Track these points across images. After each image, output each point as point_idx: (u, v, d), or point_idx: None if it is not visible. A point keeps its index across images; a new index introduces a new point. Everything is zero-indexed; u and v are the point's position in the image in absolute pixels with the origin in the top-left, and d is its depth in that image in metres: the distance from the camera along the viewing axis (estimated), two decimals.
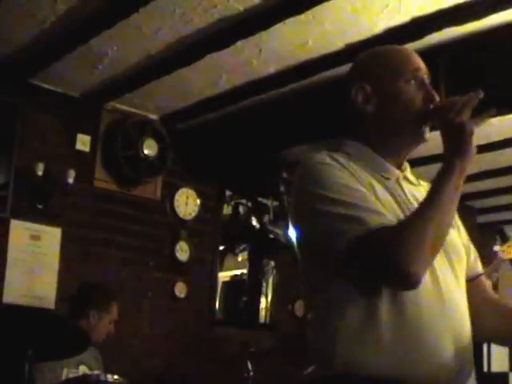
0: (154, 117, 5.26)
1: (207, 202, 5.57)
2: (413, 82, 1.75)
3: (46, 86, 4.73)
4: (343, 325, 1.59)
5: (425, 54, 3.99)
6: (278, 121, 4.90)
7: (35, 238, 4.57)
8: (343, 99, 1.83)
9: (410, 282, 1.52)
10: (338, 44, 3.97)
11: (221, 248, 5.82)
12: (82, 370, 3.74)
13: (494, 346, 3.42)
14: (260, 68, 4.33)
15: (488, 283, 1.91)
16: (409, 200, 1.73)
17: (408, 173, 1.84)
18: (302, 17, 3.59)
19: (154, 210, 5.27)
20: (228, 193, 5.91)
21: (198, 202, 5.48)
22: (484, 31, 3.72)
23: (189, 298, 5.32)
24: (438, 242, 1.56)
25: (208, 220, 5.58)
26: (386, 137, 1.77)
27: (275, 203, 6.01)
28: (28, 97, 4.66)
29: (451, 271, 1.69)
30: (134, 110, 5.14)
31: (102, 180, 4.98)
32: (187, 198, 5.43)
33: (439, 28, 3.67)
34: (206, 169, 5.54)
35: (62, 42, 4.02)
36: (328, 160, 1.69)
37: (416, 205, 1.68)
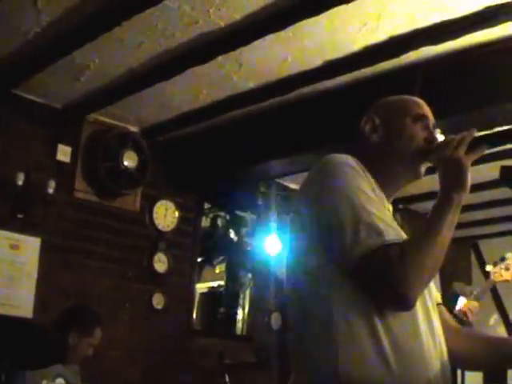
0: (134, 129, 5.29)
1: (186, 214, 5.60)
2: (418, 123, 1.88)
3: (28, 96, 4.75)
4: (347, 342, 1.61)
5: (401, 72, 4.12)
6: (256, 135, 4.95)
7: (14, 247, 4.57)
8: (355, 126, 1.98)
9: (406, 304, 1.60)
10: (317, 61, 4.03)
11: (199, 260, 5.84)
12: (59, 383, 3.73)
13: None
14: (240, 83, 4.39)
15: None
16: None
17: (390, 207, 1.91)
18: (282, 33, 3.66)
19: (134, 222, 5.29)
20: (206, 205, 5.95)
21: (177, 214, 5.51)
22: (459, 51, 3.79)
23: (166, 309, 5.34)
24: (435, 270, 1.64)
25: (186, 232, 5.61)
26: (385, 167, 1.86)
27: (253, 216, 6.06)
28: (10, 107, 4.67)
29: (429, 297, 1.76)
30: (115, 122, 5.17)
31: (82, 191, 5.00)
32: (166, 209, 5.46)
33: (416, 47, 3.74)
34: (185, 181, 5.57)
35: (45, 54, 4.04)
36: (354, 164, 1.76)
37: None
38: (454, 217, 1.67)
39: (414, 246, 1.61)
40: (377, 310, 1.62)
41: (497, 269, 3.63)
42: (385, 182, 1.85)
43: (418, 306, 1.66)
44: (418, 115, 1.90)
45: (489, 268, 3.73)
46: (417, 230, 1.67)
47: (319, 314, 1.66)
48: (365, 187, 1.70)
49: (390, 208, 1.88)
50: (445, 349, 1.73)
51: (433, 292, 1.82)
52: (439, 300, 1.95)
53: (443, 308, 1.96)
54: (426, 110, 1.94)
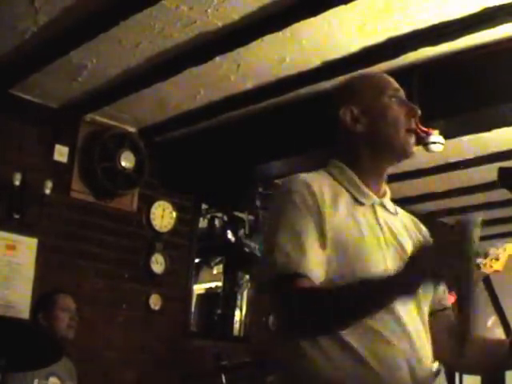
0: (131, 129, 5.28)
1: (183, 215, 5.59)
2: (394, 99, 1.84)
3: (25, 96, 4.74)
4: (316, 353, 1.63)
5: (400, 72, 4.11)
6: (254, 135, 4.94)
7: (11, 247, 4.56)
8: (331, 122, 1.92)
9: (291, 332, 1.66)
10: (315, 61, 4.03)
11: (196, 261, 5.83)
12: (52, 381, 3.72)
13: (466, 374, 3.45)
14: (238, 83, 4.38)
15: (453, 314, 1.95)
16: (380, 226, 1.77)
17: (386, 200, 1.88)
18: (280, 34, 3.65)
19: (130, 222, 5.28)
20: (204, 206, 5.94)
21: (174, 214, 5.50)
22: (457, 52, 3.79)
23: (163, 310, 5.33)
24: (341, 326, 1.61)
25: (184, 233, 5.60)
26: (375, 154, 1.83)
27: (251, 217, 6.05)
28: (7, 107, 4.66)
29: (414, 303, 1.72)
30: (112, 122, 5.16)
31: (79, 191, 4.99)
32: (163, 210, 5.45)
33: (414, 48, 3.74)
34: (183, 182, 5.56)
35: (42, 54, 4.04)
36: (301, 189, 1.73)
37: (387, 231, 1.76)
38: (381, 303, 1.60)
39: (334, 299, 1.61)
40: None
41: (486, 260, 3.62)
42: (375, 168, 1.84)
43: (397, 310, 1.65)
44: (391, 91, 1.86)
45: (478, 261, 3.72)
46: (350, 286, 1.62)
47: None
48: (300, 215, 1.69)
49: (377, 202, 1.83)
50: (422, 350, 1.69)
51: (427, 295, 1.78)
52: (446, 304, 1.92)
53: (449, 312, 1.92)
54: (394, 82, 1.91)
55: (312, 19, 3.45)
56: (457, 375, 3.34)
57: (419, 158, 5.21)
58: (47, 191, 4.69)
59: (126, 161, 5.03)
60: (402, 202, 7.00)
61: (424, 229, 1.95)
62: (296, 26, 3.54)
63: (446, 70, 3.90)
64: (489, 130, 4.50)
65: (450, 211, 6.96)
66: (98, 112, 5.00)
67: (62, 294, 3.99)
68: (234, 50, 3.87)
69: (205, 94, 4.57)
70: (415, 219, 1.97)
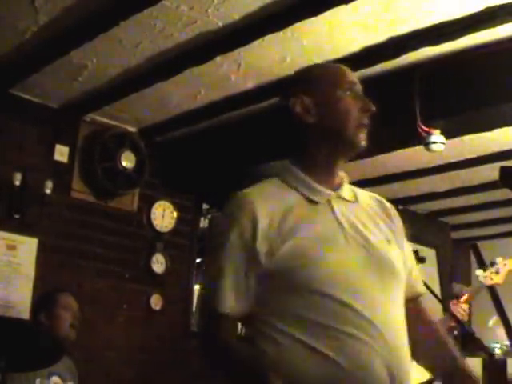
0: (132, 129, 5.28)
1: (184, 215, 5.59)
2: (349, 92, 1.81)
3: (25, 96, 4.73)
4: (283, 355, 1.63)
5: (400, 72, 4.11)
6: (255, 135, 4.93)
7: (11, 247, 4.56)
8: (283, 115, 1.87)
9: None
10: (316, 61, 3.99)
11: (197, 261, 5.83)
12: (54, 381, 3.71)
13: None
14: (238, 83, 4.38)
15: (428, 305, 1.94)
16: (338, 221, 1.74)
17: (344, 191, 1.85)
18: (281, 34, 3.65)
19: (131, 222, 5.28)
20: (205, 206, 5.93)
21: (175, 214, 5.49)
22: (458, 52, 3.78)
23: (164, 310, 5.32)
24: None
25: (184, 233, 5.60)
26: (326, 146, 1.80)
27: (337, 194, 6.01)
28: (7, 107, 4.66)
29: (383, 290, 1.70)
30: (112, 122, 5.15)
31: (80, 191, 4.98)
32: (164, 210, 5.44)
33: (415, 48, 3.73)
34: (184, 182, 5.56)
35: (43, 53, 4.03)
36: (236, 212, 1.74)
37: (347, 226, 1.73)
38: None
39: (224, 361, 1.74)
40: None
41: (487, 273, 3.65)
42: (327, 162, 1.82)
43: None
44: (346, 84, 1.83)
45: (478, 272, 3.75)
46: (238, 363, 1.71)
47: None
48: (228, 248, 1.70)
49: (333, 195, 1.80)
50: (397, 338, 1.67)
51: (398, 282, 1.77)
52: (420, 291, 1.92)
53: (422, 300, 1.92)
54: (351, 74, 1.89)
55: (313, 19, 3.44)
56: None
57: (420, 157, 5.21)
58: (47, 191, 4.69)
59: (127, 161, 5.02)
60: (403, 201, 7.05)
61: (389, 206, 1.94)
62: (297, 25, 3.53)
63: (447, 69, 3.89)
64: (490, 129, 4.50)
65: (452, 211, 6.96)
66: (98, 112, 4.99)
67: (64, 292, 3.97)
68: (234, 50, 3.86)
69: (205, 93, 4.56)
70: (379, 198, 1.95)
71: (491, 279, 3.65)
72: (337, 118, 1.78)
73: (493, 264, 3.68)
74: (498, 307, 6.52)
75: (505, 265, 3.65)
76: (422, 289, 1.94)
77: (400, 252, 1.84)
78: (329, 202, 1.78)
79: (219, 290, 1.69)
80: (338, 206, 1.78)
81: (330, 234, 1.71)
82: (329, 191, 1.80)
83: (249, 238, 1.69)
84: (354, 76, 1.88)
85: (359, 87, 1.86)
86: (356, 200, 1.85)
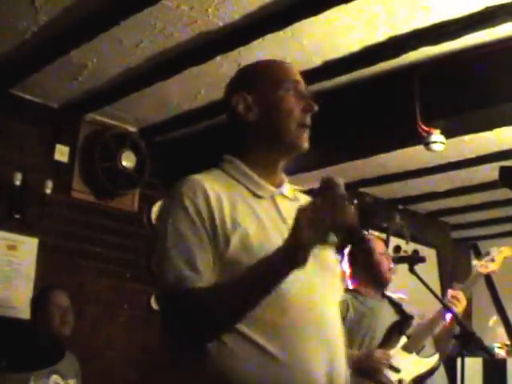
0: (132, 129, 5.28)
1: None
2: (292, 92, 1.78)
3: (25, 96, 4.74)
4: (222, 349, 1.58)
5: (400, 72, 4.11)
6: None
7: (12, 247, 4.56)
8: (225, 109, 1.85)
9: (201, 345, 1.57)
10: (316, 61, 4.02)
11: None
12: (55, 379, 3.71)
13: (467, 360, 3.44)
14: None
15: None
16: (283, 218, 1.72)
17: (285, 188, 1.83)
18: (281, 33, 3.65)
19: (132, 222, 5.28)
20: None
21: None
22: (458, 51, 3.79)
23: None
24: (242, 314, 1.55)
25: None
26: (266, 146, 1.78)
27: (278, 191, 6.02)
28: (7, 107, 4.66)
29: (325, 289, 1.71)
30: (113, 122, 5.15)
31: (80, 191, 4.99)
32: None
33: (415, 47, 3.73)
34: None
35: (43, 53, 4.03)
36: (190, 192, 1.66)
37: (290, 222, 1.60)
38: (280, 277, 1.52)
39: (224, 290, 1.55)
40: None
41: (482, 261, 3.67)
42: (267, 161, 1.79)
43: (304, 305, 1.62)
44: (290, 83, 1.80)
45: (474, 262, 3.77)
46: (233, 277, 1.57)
47: None
48: (192, 229, 1.61)
49: (275, 192, 1.78)
50: (336, 339, 1.67)
51: (337, 282, 1.78)
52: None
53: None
54: (295, 73, 1.86)
55: (313, 18, 3.45)
56: (459, 360, 3.35)
57: (420, 157, 5.22)
58: (48, 191, 4.69)
59: (127, 160, 5.02)
60: (403, 201, 7.05)
61: None
62: (297, 25, 3.53)
63: (447, 69, 3.89)
64: (490, 129, 4.50)
65: (452, 211, 6.96)
66: (98, 112, 5.00)
67: (56, 290, 4.00)
68: (234, 50, 3.86)
69: (206, 93, 4.56)
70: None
71: (487, 267, 3.66)
72: (278, 118, 1.76)
73: (487, 254, 3.71)
74: (497, 302, 6.53)
75: (500, 252, 3.67)
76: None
77: (333, 252, 1.81)
78: (272, 198, 1.76)
79: (190, 268, 1.58)
80: (281, 203, 1.76)
81: (275, 229, 1.67)
82: (272, 188, 1.78)
83: (206, 216, 1.63)
84: (298, 74, 1.86)
85: (303, 86, 1.83)
86: (296, 199, 1.84)
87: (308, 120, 1.78)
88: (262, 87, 1.79)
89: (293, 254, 1.48)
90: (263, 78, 1.82)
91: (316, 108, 1.78)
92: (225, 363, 1.58)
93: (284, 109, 1.76)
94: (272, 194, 1.77)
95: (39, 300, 3.97)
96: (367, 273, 3.67)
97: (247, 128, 1.79)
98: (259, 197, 1.74)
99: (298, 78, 1.84)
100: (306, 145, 1.78)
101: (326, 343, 1.64)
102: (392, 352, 3.42)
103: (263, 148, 1.79)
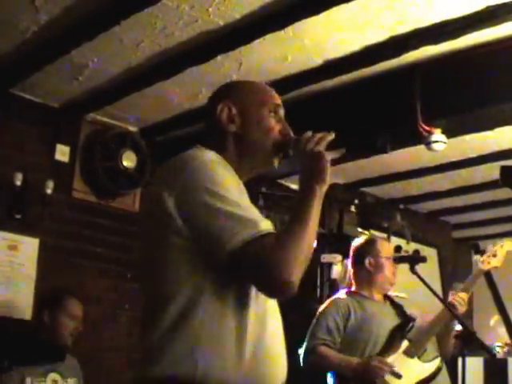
0: (133, 129, 5.27)
1: None
2: (273, 114, 1.96)
3: (26, 96, 4.73)
4: (207, 335, 1.67)
5: (401, 71, 4.10)
6: None
7: (12, 248, 4.55)
8: (208, 113, 1.99)
9: (288, 288, 1.64)
10: (317, 60, 4.02)
11: None
12: (52, 377, 3.70)
13: (468, 360, 3.43)
14: None
15: None
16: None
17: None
18: (282, 33, 3.64)
19: (132, 222, 5.26)
20: None
21: None
22: (459, 50, 3.78)
23: None
24: (308, 255, 1.70)
25: None
26: (241, 155, 1.92)
27: None
28: (8, 106, 4.66)
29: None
30: (113, 122, 5.15)
31: (81, 191, 4.98)
32: None
33: (416, 47, 3.73)
34: None
35: (43, 53, 4.03)
36: (218, 160, 1.81)
37: None
38: (318, 207, 1.75)
39: (287, 234, 1.67)
40: (239, 311, 1.70)
41: (484, 257, 3.63)
42: (240, 169, 1.89)
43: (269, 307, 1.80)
44: (273, 106, 1.96)
45: (476, 258, 3.74)
46: (287, 220, 1.74)
47: (179, 308, 1.68)
48: (233, 183, 1.75)
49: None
50: (282, 339, 1.85)
51: None
52: None
53: None
54: (278, 98, 2.01)
55: (314, 18, 3.44)
56: (459, 359, 3.34)
57: (421, 157, 5.21)
58: (48, 191, 4.69)
59: (128, 160, 5.02)
60: (404, 201, 7.04)
61: None
62: (298, 24, 3.53)
63: (448, 68, 3.89)
64: (491, 128, 4.50)
65: (453, 210, 6.96)
66: (99, 111, 4.99)
67: (72, 298, 3.96)
68: (235, 49, 3.86)
69: (206, 93, 4.55)
70: None
71: (489, 263, 3.62)
72: (257, 133, 1.92)
73: (484, 252, 3.66)
74: (498, 301, 6.51)
75: (502, 246, 3.63)
76: None
77: None
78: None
79: (254, 217, 1.70)
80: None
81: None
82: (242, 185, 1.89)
83: (242, 188, 1.80)
84: (280, 100, 2.02)
85: (282, 112, 2.00)
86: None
87: (283, 142, 1.93)
88: (247, 101, 1.95)
89: (321, 169, 1.79)
90: (250, 95, 1.98)
91: (291, 134, 1.96)
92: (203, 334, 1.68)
93: (264, 126, 1.92)
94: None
95: (51, 303, 3.91)
96: (370, 275, 3.66)
97: (227, 137, 1.93)
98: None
99: (280, 102, 2.01)
100: (276, 164, 1.95)
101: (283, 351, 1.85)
102: (393, 357, 3.42)
103: (239, 156, 1.92)
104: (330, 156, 1.81)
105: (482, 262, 3.64)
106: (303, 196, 1.76)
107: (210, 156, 1.81)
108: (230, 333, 1.67)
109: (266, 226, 1.68)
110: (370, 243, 3.73)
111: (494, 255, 3.63)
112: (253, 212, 1.71)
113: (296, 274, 1.63)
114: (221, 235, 1.64)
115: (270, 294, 1.73)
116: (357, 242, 3.81)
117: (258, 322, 1.73)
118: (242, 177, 1.87)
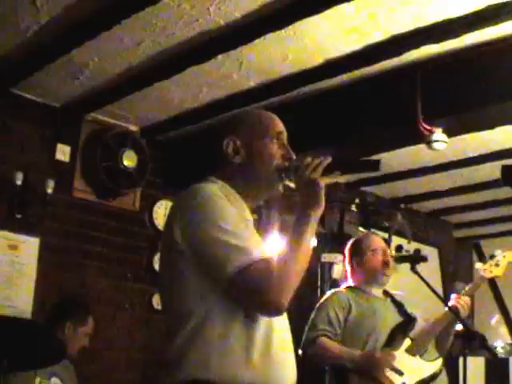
0: (134, 128, 5.27)
1: None
2: (275, 141, 2.09)
3: (26, 95, 4.73)
4: (218, 346, 1.81)
5: (402, 70, 4.10)
6: None
7: (13, 247, 4.55)
8: (215, 145, 2.14)
9: (279, 310, 1.83)
10: (318, 59, 4.01)
11: None
12: (54, 382, 3.72)
13: (469, 359, 3.43)
14: (240, 81, 4.37)
15: None
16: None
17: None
18: (283, 32, 3.64)
19: (133, 222, 5.27)
20: None
21: None
22: (460, 50, 3.78)
23: None
24: (299, 279, 1.85)
25: None
26: (247, 184, 2.06)
27: (254, 216, 6.02)
28: (9, 106, 4.66)
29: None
30: (114, 121, 5.15)
31: (81, 190, 4.98)
32: (166, 209, 5.42)
33: (417, 46, 3.72)
34: (186, 181, 5.53)
35: (44, 52, 4.03)
36: (219, 192, 1.93)
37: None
38: (311, 231, 1.90)
39: (279, 261, 1.82)
40: (247, 323, 1.84)
41: (486, 266, 3.65)
42: (248, 196, 2.06)
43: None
44: (275, 134, 2.09)
45: (478, 266, 3.75)
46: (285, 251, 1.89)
47: (193, 326, 1.84)
48: (232, 213, 1.89)
49: (251, 218, 2.06)
50: (291, 343, 1.99)
51: None
52: None
53: None
54: (280, 124, 2.14)
55: (314, 17, 3.44)
56: (461, 359, 3.34)
57: (422, 156, 5.21)
58: (49, 190, 4.69)
59: (129, 160, 5.01)
60: (405, 200, 7.03)
61: None
62: (298, 24, 3.53)
63: (449, 67, 3.88)
64: (492, 127, 4.49)
65: (454, 209, 6.95)
66: (100, 111, 4.99)
67: (91, 317, 4.01)
68: (236, 48, 3.85)
69: (207, 92, 4.56)
70: None
71: (491, 272, 3.64)
72: (259, 163, 2.05)
73: (492, 257, 3.67)
74: (499, 301, 6.52)
75: (504, 257, 3.64)
76: None
77: None
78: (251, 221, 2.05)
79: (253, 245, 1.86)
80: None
81: (254, 233, 2.00)
82: (250, 214, 2.07)
83: (243, 216, 1.97)
84: (282, 125, 2.15)
85: (285, 136, 2.13)
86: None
87: (286, 165, 2.06)
88: (249, 133, 2.09)
89: (315, 196, 1.92)
90: (252, 125, 2.12)
91: (294, 156, 2.09)
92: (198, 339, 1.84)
93: (266, 154, 2.06)
94: (251, 219, 2.06)
95: (77, 319, 3.92)
96: (363, 273, 3.66)
97: (233, 168, 2.08)
98: (249, 220, 2.03)
99: (282, 129, 2.14)
100: (280, 190, 2.09)
101: (292, 354, 1.98)
102: (396, 354, 3.41)
103: (246, 185, 2.06)
104: (324, 182, 1.92)
105: (484, 271, 3.65)
106: (298, 222, 1.91)
107: (213, 190, 1.94)
108: (239, 342, 1.82)
109: (261, 253, 1.83)
110: (356, 244, 3.78)
111: (497, 264, 3.64)
112: (248, 239, 1.85)
113: (286, 297, 1.79)
114: (218, 263, 1.81)
115: (262, 314, 1.85)
116: (347, 245, 3.85)
117: (265, 329, 1.86)
118: (250, 203, 2.07)
